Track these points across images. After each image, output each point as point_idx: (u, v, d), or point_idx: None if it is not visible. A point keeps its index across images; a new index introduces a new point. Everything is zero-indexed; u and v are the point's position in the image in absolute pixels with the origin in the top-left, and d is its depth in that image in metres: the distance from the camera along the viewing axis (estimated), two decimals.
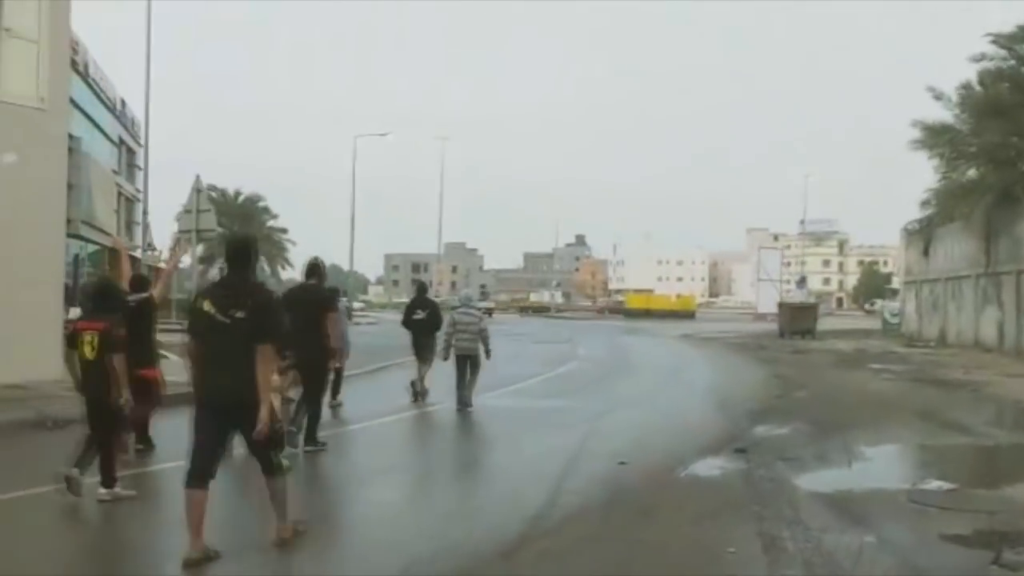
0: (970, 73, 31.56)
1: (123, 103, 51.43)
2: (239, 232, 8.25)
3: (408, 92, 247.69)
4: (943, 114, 32.22)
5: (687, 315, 75.17)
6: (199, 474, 6.10)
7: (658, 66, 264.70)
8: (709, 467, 9.75)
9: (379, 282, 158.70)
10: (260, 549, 6.43)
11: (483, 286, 50.84)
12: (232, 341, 6.09)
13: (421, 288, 16.68)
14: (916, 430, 12.78)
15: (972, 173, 32.24)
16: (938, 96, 31.84)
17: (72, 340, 7.91)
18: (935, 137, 32.15)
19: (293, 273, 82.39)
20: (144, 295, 9.61)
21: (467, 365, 14.09)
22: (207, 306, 6.26)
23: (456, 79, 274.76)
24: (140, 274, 11.74)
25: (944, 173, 33.09)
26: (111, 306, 8.11)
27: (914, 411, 14.79)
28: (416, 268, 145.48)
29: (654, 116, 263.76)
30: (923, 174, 34.33)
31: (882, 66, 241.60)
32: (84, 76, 42.78)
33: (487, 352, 14.07)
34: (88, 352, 7.72)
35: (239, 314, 6.12)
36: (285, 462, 6.46)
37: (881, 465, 10.28)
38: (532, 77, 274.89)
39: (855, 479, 9.09)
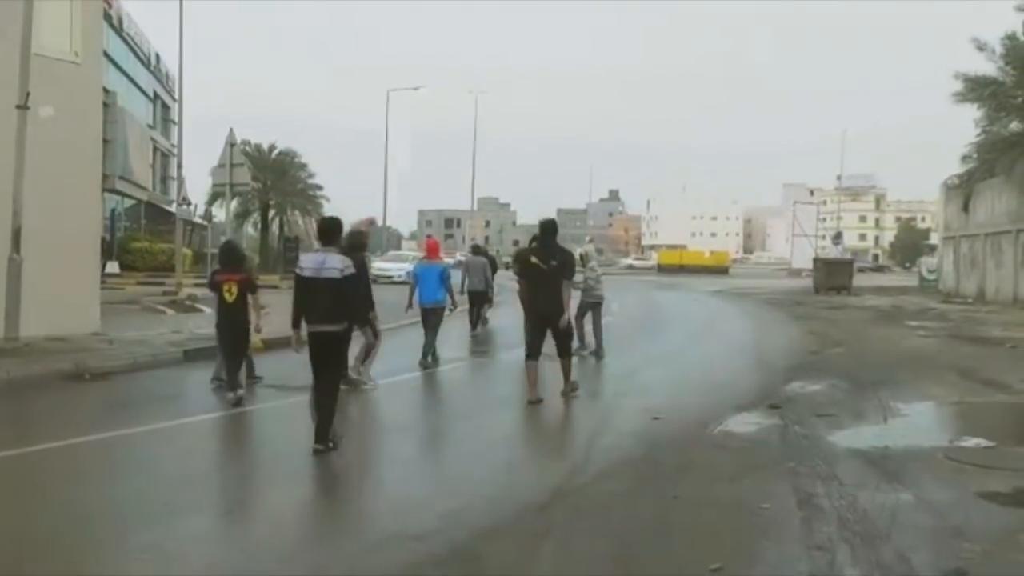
0: (1016, 23, 30.90)
1: (158, 57, 51.57)
2: (547, 220, 9.87)
3: (442, 46, 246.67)
4: (986, 66, 31.60)
5: (721, 271, 74.85)
6: (533, 352, 10.81)
7: (696, 21, 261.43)
8: (743, 423, 9.69)
9: (412, 237, 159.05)
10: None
11: (516, 242, 50.82)
12: (548, 279, 10.59)
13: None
14: (953, 387, 12.63)
15: (1015, 126, 31.64)
16: (981, 47, 31.17)
17: (215, 287, 10.75)
18: (978, 89, 31.54)
19: None
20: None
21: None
22: (533, 259, 10.87)
23: (491, 32, 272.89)
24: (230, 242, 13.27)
25: (986, 127, 32.47)
26: (239, 260, 11.14)
27: (952, 368, 14.63)
28: (449, 223, 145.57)
29: (691, 71, 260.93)
30: (964, 128, 33.74)
31: (924, 15, 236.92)
32: (118, 30, 42.95)
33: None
34: (228, 297, 10.53)
35: (553, 263, 10.65)
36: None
37: (918, 422, 10.17)
38: (568, 30, 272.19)
39: (891, 436, 9.00)
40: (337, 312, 8.03)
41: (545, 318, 10.68)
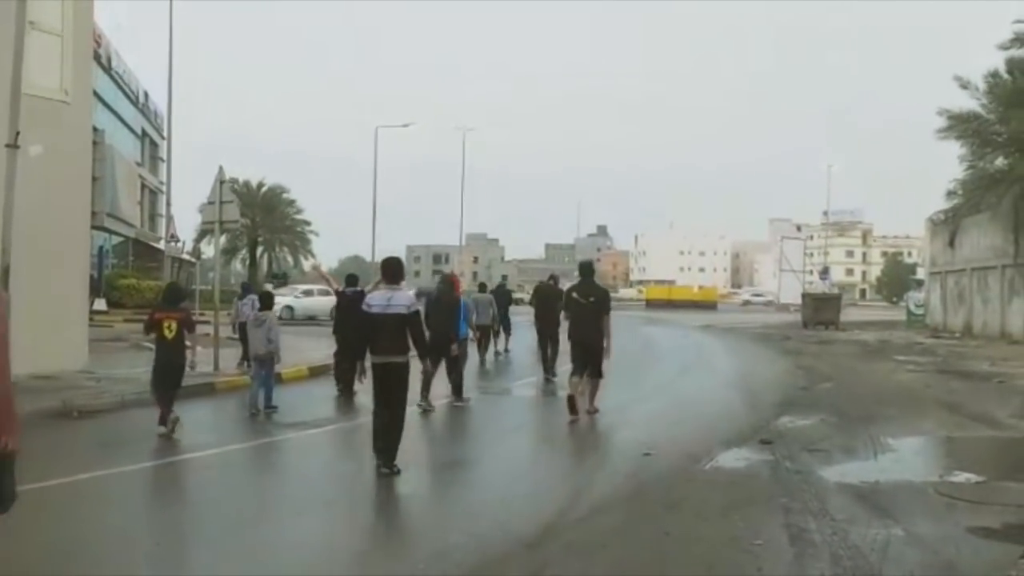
0: (998, 61, 31.26)
1: (146, 95, 51.74)
2: (585, 262, 13.87)
3: (429, 83, 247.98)
4: (970, 103, 31.91)
5: (709, 306, 74.94)
6: (577, 369, 12.32)
7: (681, 58, 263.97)
8: (735, 458, 9.70)
9: None
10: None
11: (504, 277, 51.00)
12: (588, 313, 12.28)
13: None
14: (942, 422, 12.66)
15: (999, 162, 31.91)
16: (964, 84, 31.49)
17: (155, 324, 11.12)
18: (962, 126, 31.80)
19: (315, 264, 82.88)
20: (359, 289, 14.74)
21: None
22: (575, 295, 12.59)
23: (477, 69, 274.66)
24: (352, 273, 16.83)
25: (970, 163, 32.73)
26: (180, 300, 12.01)
27: (940, 403, 14.67)
28: (437, 259, 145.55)
29: (677, 108, 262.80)
30: (949, 164, 34.01)
31: (908, 54, 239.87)
32: (107, 69, 43.12)
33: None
34: (167, 333, 10.99)
35: (592, 299, 12.36)
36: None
37: (908, 457, 10.19)
38: (554, 68, 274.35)
39: (882, 471, 9.02)
40: (402, 345, 8.85)
41: (584, 345, 12.30)
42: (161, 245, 39.36)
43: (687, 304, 73.65)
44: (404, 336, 8.87)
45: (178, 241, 37.02)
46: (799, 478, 8.62)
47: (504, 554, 6.27)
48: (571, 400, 12.14)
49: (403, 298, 8.99)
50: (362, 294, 14.38)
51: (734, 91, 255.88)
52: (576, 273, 13.73)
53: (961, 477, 8.69)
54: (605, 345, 12.31)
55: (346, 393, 14.33)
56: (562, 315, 13.21)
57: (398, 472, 8.64)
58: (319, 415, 12.79)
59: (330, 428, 12.08)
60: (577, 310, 12.50)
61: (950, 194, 34.86)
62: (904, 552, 6.23)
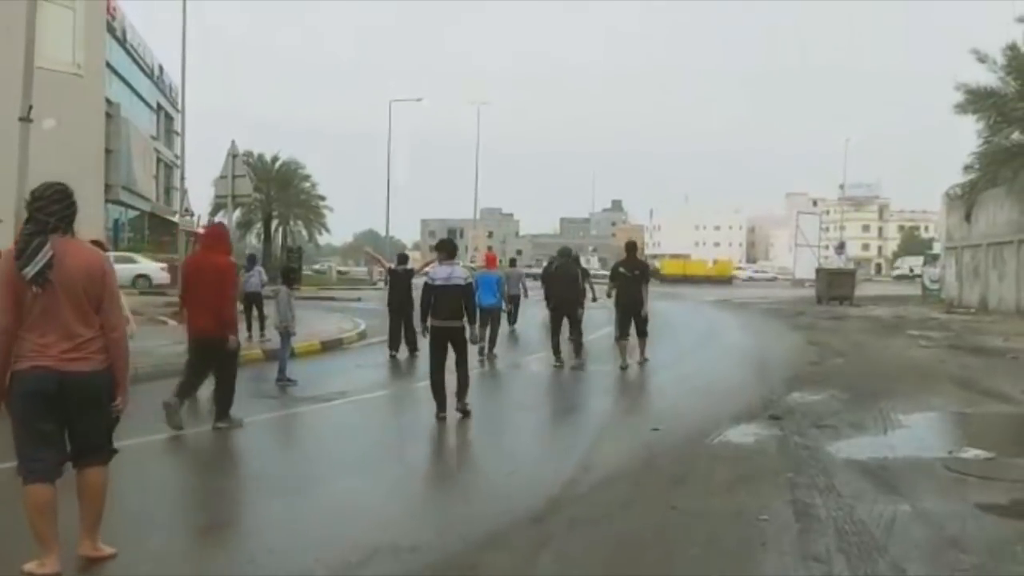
0: (1016, 34, 30.91)
1: (161, 69, 51.73)
2: (631, 241, 16.60)
3: (445, 55, 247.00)
4: (988, 77, 31.59)
5: (724, 281, 74.81)
6: (623, 334, 14.99)
7: (699, 32, 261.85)
8: (743, 434, 9.69)
9: (415, 247, 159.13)
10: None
11: (519, 251, 50.92)
12: (633, 284, 14.88)
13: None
14: (954, 398, 12.62)
15: (1017, 136, 31.61)
16: (982, 58, 31.17)
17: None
18: (979, 101, 31.51)
19: (330, 238, 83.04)
20: (409, 268, 17.35)
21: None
22: (622, 269, 15.10)
23: (494, 42, 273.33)
24: (403, 253, 19.08)
25: (987, 137, 32.45)
26: None
27: (953, 379, 14.62)
28: (452, 233, 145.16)
29: (694, 81, 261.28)
30: (966, 139, 33.61)
31: (926, 28, 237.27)
32: (122, 42, 43.10)
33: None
34: None
35: (636, 272, 15.04)
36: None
37: (918, 433, 10.15)
38: (571, 41, 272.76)
39: (891, 447, 9.00)
40: (460, 311, 10.31)
41: (630, 310, 14.95)
42: (176, 219, 39.44)
43: (701, 279, 73.59)
44: (461, 304, 10.32)
45: (193, 215, 37.11)
46: (807, 453, 8.62)
47: (508, 527, 6.30)
48: (624, 357, 14.96)
49: (461, 272, 10.55)
50: (412, 272, 17.12)
51: (753, 65, 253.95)
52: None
53: (971, 453, 8.65)
54: (645, 309, 15.02)
55: (399, 357, 16.14)
56: (608, 285, 15.54)
57: (469, 411, 10.31)
58: (335, 388, 12.80)
59: (337, 403, 12.07)
60: (624, 282, 15.03)
61: (967, 168, 34.56)
62: (910, 528, 6.22)
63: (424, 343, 11.37)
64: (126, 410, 5.39)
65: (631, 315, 15.00)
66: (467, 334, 10.64)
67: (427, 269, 12.34)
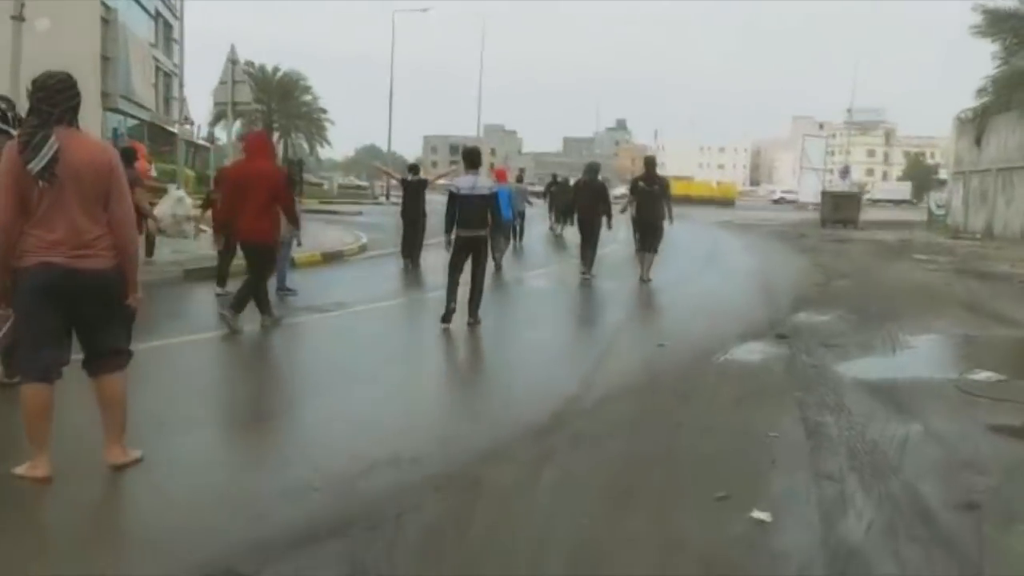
0: None
1: None
2: (650, 156, 17.11)
3: None
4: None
5: (727, 203, 74.36)
6: (643, 247, 15.65)
7: None
8: (750, 352, 9.54)
9: (418, 162, 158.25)
10: None
11: (522, 169, 50.38)
12: (653, 198, 15.52)
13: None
14: (962, 321, 12.46)
15: None
16: None
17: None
18: (997, 23, 30.90)
19: (331, 152, 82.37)
20: (422, 178, 17.23)
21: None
22: (641, 184, 15.70)
23: None
24: (414, 163, 18.54)
25: (1004, 59, 31.88)
26: None
27: (959, 302, 14.46)
28: (454, 150, 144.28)
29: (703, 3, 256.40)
30: (978, 65, 33.19)
31: None
32: None
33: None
34: None
35: (655, 187, 15.54)
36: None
37: (927, 355, 10.02)
38: None
39: (900, 368, 8.87)
40: (485, 220, 10.43)
41: (649, 224, 15.56)
42: (175, 129, 38.94)
43: (706, 200, 73.13)
44: (486, 213, 10.42)
45: (192, 124, 36.61)
46: (815, 372, 8.48)
47: (511, 441, 6.16)
48: (645, 271, 15.68)
49: (486, 181, 10.80)
50: (424, 182, 17.19)
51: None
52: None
53: (982, 375, 8.50)
54: (665, 224, 15.70)
55: (412, 268, 16.29)
56: (627, 199, 16.38)
57: (480, 322, 10.51)
58: (336, 298, 12.63)
59: (339, 312, 11.91)
60: (643, 196, 15.73)
61: (980, 92, 34.03)
62: (923, 448, 6.09)
63: (430, 256, 11.36)
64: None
65: (650, 231, 15.58)
66: (490, 244, 10.75)
67: (441, 180, 12.40)
